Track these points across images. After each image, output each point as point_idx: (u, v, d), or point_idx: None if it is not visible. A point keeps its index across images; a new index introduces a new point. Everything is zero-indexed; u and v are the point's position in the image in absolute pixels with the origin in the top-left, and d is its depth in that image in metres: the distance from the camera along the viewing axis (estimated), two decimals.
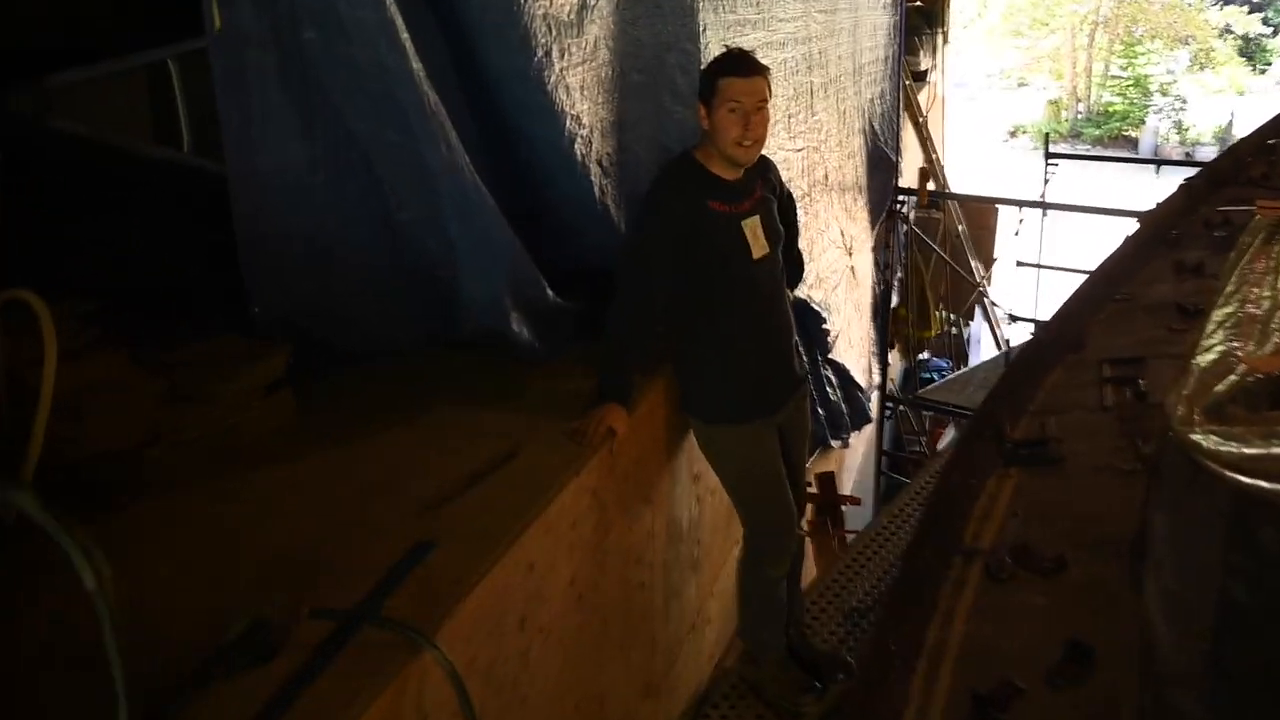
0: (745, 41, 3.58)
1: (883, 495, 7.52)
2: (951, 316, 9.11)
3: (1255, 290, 2.37)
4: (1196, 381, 1.91)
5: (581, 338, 2.78)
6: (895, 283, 7.36)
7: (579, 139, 2.52)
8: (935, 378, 9.80)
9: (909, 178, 7.42)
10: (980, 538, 2.50)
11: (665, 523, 2.96)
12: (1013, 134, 26.13)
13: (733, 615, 3.25)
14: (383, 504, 2.11)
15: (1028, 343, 3.66)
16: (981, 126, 23.20)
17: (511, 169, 2.61)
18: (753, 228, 2.71)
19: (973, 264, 8.93)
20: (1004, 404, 3.09)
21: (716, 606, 3.50)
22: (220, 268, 2.33)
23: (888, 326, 7.07)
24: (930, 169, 8.37)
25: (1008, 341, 8.24)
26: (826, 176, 5.04)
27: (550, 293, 2.65)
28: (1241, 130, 22.47)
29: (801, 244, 4.46)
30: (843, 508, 4.77)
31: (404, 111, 2.08)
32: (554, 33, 2.33)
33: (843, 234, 5.44)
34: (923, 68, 8.83)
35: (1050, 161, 7.66)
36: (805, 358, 4.57)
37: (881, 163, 6.25)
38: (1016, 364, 3.46)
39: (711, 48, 3.10)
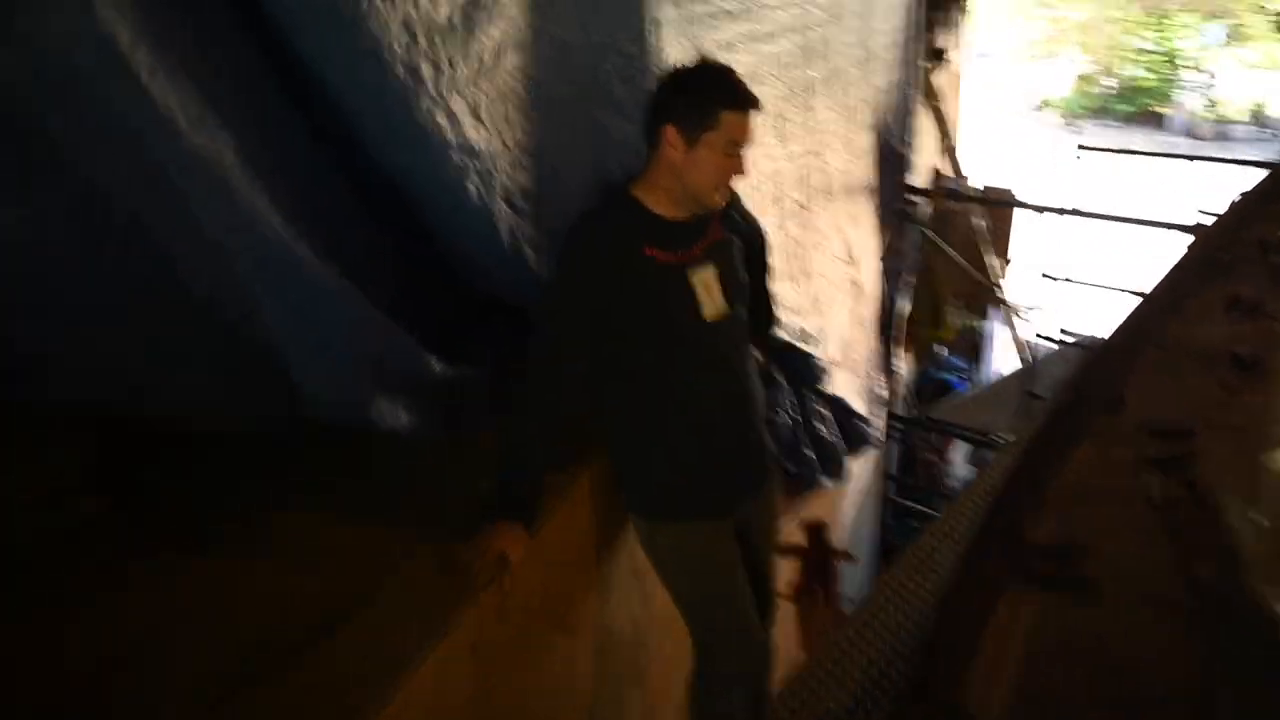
0: (722, 36, 2.93)
1: (889, 524, 6.94)
2: (967, 315, 8.49)
3: None
4: (1275, 501, 1.40)
5: (496, 407, 2.19)
6: (906, 287, 6.74)
7: (472, 173, 1.90)
8: (950, 378, 9.20)
9: (924, 172, 6.77)
10: (988, 704, 1.95)
11: (593, 646, 2.38)
12: (1039, 108, 25.31)
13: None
14: (146, 693, 1.52)
15: (1052, 408, 3.04)
16: (1006, 100, 22.39)
17: (386, 200, 2.00)
18: (705, 280, 2.13)
19: (990, 261, 8.26)
20: (1022, 494, 2.53)
21: (671, 714, 2.92)
22: None
23: (897, 338, 6.46)
24: (947, 162, 7.70)
25: (1030, 346, 7.57)
26: (828, 183, 4.40)
27: (435, 361, 2.05)
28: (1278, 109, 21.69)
29: (788, 279, 3.83)
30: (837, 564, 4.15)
31: (160, 166, 1.42)
32: (423, 43, 1.70)
33: (847, 245, 4.82)
34: (941, 45, 8.12)
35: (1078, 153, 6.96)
36: (794, 398, 3.97)
37: (892, 159, 5.62)
38: (1039, 437, 2.87)
39: (668, 48, 2.47)
